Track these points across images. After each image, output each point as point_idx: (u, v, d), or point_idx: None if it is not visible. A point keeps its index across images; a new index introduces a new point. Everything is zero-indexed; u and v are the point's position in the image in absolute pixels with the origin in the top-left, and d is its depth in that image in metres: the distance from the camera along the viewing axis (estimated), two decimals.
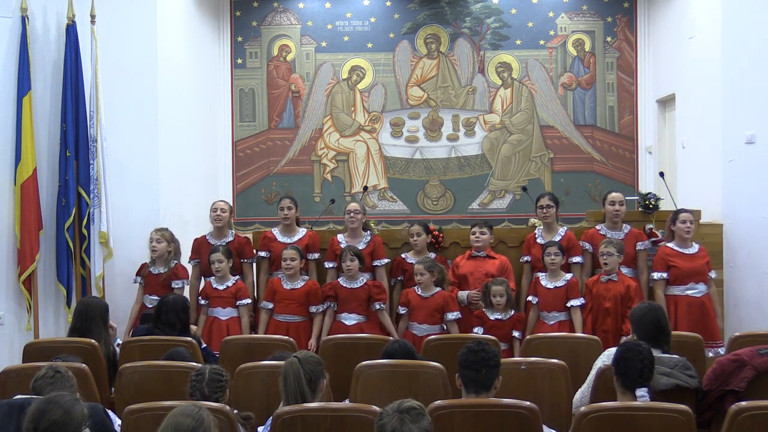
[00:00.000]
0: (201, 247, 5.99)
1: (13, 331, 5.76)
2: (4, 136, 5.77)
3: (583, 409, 3.17)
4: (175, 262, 5.86)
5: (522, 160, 8.81)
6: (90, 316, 4.76)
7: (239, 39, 8.87)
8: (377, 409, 2.95)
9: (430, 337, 4.77)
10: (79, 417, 2.65)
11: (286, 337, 4.87)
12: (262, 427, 3.29)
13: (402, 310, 5.50)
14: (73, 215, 5.98)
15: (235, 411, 3.41)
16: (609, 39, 8.77)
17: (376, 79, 8.84)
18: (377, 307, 5.51)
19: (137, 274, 5.89)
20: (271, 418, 3.16)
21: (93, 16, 6.17)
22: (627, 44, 8.76)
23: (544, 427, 3.22)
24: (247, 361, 4.03)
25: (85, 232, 6.03)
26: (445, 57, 8.84)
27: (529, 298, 5.56)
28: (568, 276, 5.52)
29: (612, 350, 3.74)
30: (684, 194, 7.17)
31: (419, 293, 5.42)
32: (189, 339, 4.66)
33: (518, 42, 8.78)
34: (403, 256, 5.94)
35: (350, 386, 3.82)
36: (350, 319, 5.49)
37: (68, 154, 5.96)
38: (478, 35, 8.80)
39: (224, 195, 8.71)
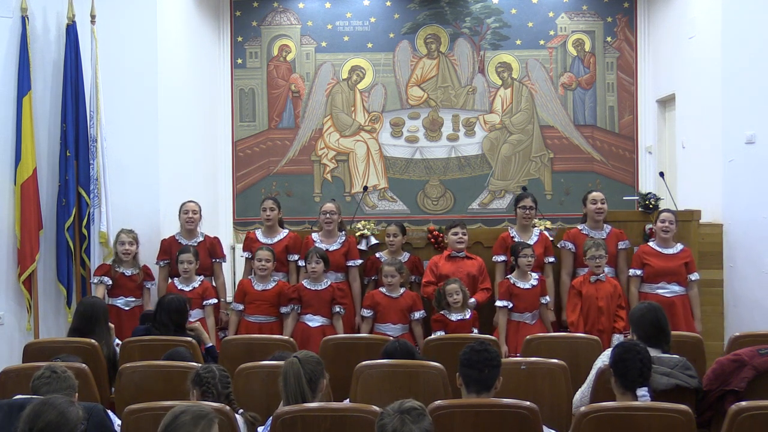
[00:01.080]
0: (171, 247, 5.98)
1: (13, 331, 5.76)
2: (4, 136, 5.77)
3: (583, 409, 3.17)
4: (143, 263, 5.89)
5: (522, 160, 8.80)
6: (93, 317, 4.77)
7: (239, 39, 8.87)
8: (377, 409, 2.95)
9: (430, 337, 4.78)
10: (74, 419, 2.65)
11: (286, 337, 4.88)
12: (262, 427, 3.29)
13: (367, 313, 5.46)
14: (73, 215, 5.98)
15: (240, 410, 3.42)
16: (609, 39, 8.77)
17: (376, 79, 8.84)
18: (336, 310, 5.52)
19: (101, 274, 5.76)
20: (271, 418, 3.16)
21: (93, 16, 6.18)
22: (627, 44, 8.76)
23: (544, 427, 3.22)
24: (247, 361, 4.04)
25: (85, 232, 6.03)
26: (445, 57, 8.84)
27: (501, 303, 5.44)
28: (536, 275, 5.54)
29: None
30: (684, 194, 7.17)
31: (387, 294, 5.42)
32: (189, 339, 4.67)
33: (518, 42, 8.78)
34: (377, 255, 5.96)
35: (350, 386, 3.82)
36: (314, 321, 5.49)
37: (68, 154, 5.97)
38: (478, 35, 8.80)
39: (224, 195, 8.74)
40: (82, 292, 6.05)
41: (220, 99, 8.78)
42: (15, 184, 5.77)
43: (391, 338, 4.70)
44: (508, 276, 5.59)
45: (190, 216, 5.96)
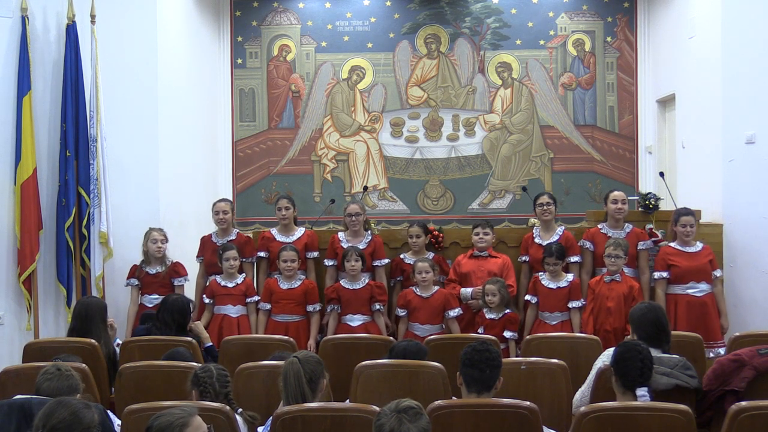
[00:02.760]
0: (206, 245, 6.01)
1: (13, 331, 5.76)
2: (4, 136, 5.77)
3: (583, 409, 3.17)
4: (171, 260, 5.88)
5: (522, 160, 8.80)
6: (89, 317, 4.77)
7: (239, 39, 8.87)
8: (377, 409, 2.94)
9: (430, 337, 4.77)
10: (87, 421, 2.65)
11: (286, 337, 4.88)
12: (262, 427, 3.29)
13: (401, 312, 5.49)
14: (73, 215, 5.98)
15: (239, 410, 3.42)
16: (609, 39, 8.77)
17: (376, 79, 8.84)
18: (376, 307, 5.52)
19: (131, 277, 5.84)
20: (271, 418, 3.16)
21: (93, 16, 6.17)
22: (627, 44, 8.76)
23: (544, 427, 3.22)
24: (247, 361, 4.04)
25: (85, 232, 6.03)
26: (445, 57, 8.84)
27: (528, 297, 5.56)
28: (570, 276, 5.52)
29: (612, 350, 3.74)
30: (684, 194, 7.17)
31: (419, 293, 5.41)
32: (189, 339, 4.67)
33: (518, 42, 8.78)
34: (401, 256, 5.94)
35: (350, 386, 3.82)
36: (355, 321, 5.50)
37: (68, 154, 5.97)
38: (478, 35, 8.80)
39: (224, 195, 8.71)
40: (82, 292, 6.05)
41: (220, 99, 8.78)
42: (15, 184, 5.76)
43: (391, 339, 4.72)
44: (538, 273, 5.60)
45: (221, 217, 5.95)
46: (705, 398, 3.73)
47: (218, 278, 5.72)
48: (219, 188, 8.66)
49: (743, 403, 3.12)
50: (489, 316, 5.33)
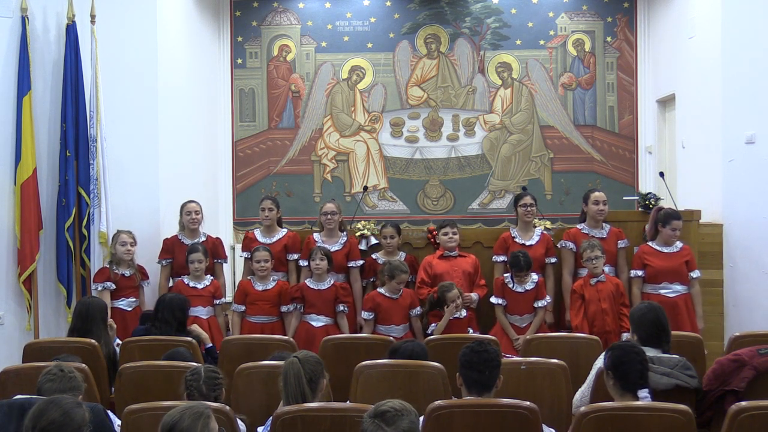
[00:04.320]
0: (174, 246, 5.99)
1: (13, 331, 5.76)
2: (4, 136, 5.77)
3: (583, 409, 3.17)
4: (139, 263, 5.91)
5: (522, 160, 8.80)
6: (90, 317, 4.77)
7: (239, 39, 8.87)
8: None
9: (430, 337, 4.78)
10: (78, 420, 2.65)
11: (286, 337, 4.88)
12: (262, 427, 3.29)
13: (368, 316, 5.38)
14: (73, 215, 5.98)
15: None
16: (609, 39, 8.77)
17: (376, 79, 8.84)
18: (340, 308, 5.52)
19: (104, 280, 5.72)
20: (271, 418, 3.16)
21: (93, 16, 6.18)
22: (627, 44, 8.76)
23: (544, 427, 3.22)
24: (247, 361, 4.03)
25: (85, 232, 6.03)
26: (445, 57, 8.84)
27: (495, 300, 5.51)
28: (535, 277, 5.52)
29: None
30: (684, 194, 7.17)
31: (388, 295, 5.37)
32: (189, 339, 4.67)
33: (518, 42, 8.78)
34: (374, 256, 5.95)
35: (350, 386, 3.82)
36: (318, 321, 5.49)
37: (68, 154, 5.97)
38: (478, 35, 8.80)
39: (224, 195, 8.74)
40: (82, 292, 6.05)
41: (220, 99, 8.78)
42: (15, 184, 5.77)
43: (391, 338, 4.71)
44: (505, 274, 5.60)
45: (192, 217, 5.97)
46: (705, 398, 3.74)
47: (185, 279, 5.71)
48: (219, 188, 8.66)
49: (743, 403, 3.12)
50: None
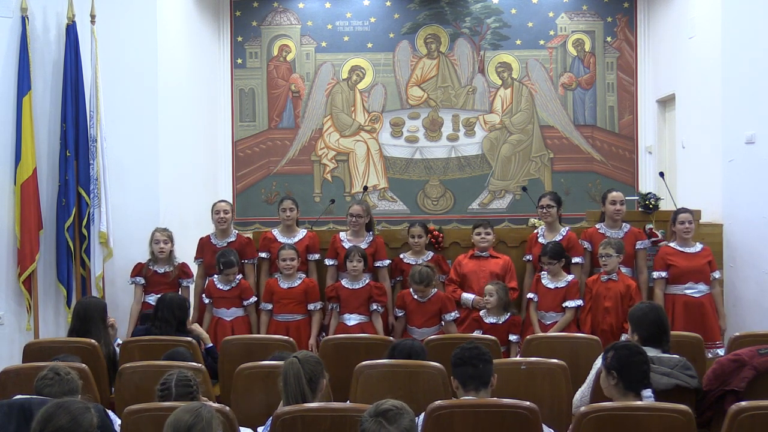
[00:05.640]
0: (205, 246, 6.00)
1: (13, 331, 5.76)
2: (4, 136, 5.77)
3: (583, 409, 3.17)
4: (178, 260, 5.89)
5: (522, 160, 8.81)
6: (88, 317, 4.77)
7: (239, 39, 8.87)
8: None
9: (430, 337, 4.78)
10: (86, 425, 2.64)
11: (286, 337, 4.87)
12: (262, 428, 3.29)
13: (399, 313, 5.51)
14: (73, 215, 5.98)
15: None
16: (609, 39, 8.77)
17: (376, 79, 8.84)
18: (374, 308, 5.52)
19: (135, 275, 5.85)
20: (271, 418, 3.16)
21: (93, 16, 6.17)
22: (627, 44, 8.76)
23: (544, 427, 3.22)
24: (247, 361, 4.03)
25: (85, 232, 6.03)
26: (445, 57, 8.84)
27: (530, 295, 5.57)
28: (570, 277, 5.52)
29: None
30: (684, 194, 7.17)
31: (415, 297, 5.41)
32: (189, 339, 4.67)
33: (518, 42, 8.78)
34: (401, 256, 5.93)
35: (350, 386, 3.82)
36: (352, 320, 5.50)
37: (68, 154, 5.97)
38: (478, 35, 8.80)
39: (224, 195, 8.71)
40: (82, 292, 6.05)
41: (220, 99, 8.78)
42: (15, 184, 5.76)
43: (391, 338, 4.72)
44: (541, 272, 5.61)
45: (221, 216, 5.94)
46: (705, 398, 3.73)
47: (215, 280, 5.71)
48: (219, 188, 8.66)
49: (743, 403, 3.12)
50: (489, 320, 5.32)
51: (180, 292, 5.78)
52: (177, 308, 4.90)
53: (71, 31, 6.05)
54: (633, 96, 8.75)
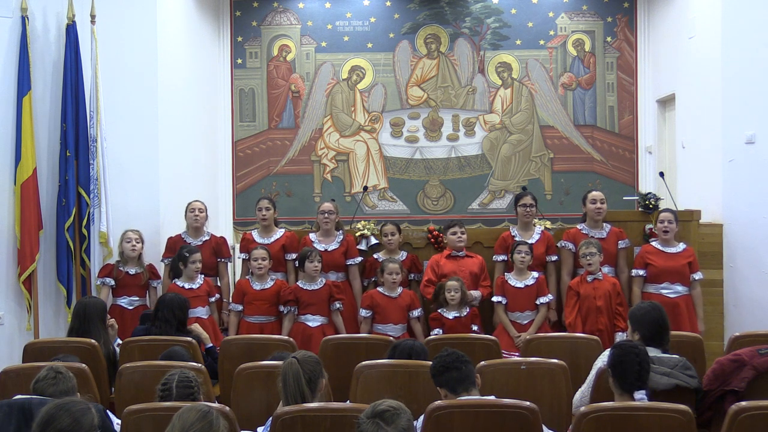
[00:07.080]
0: (176, 245, 5.98)
1: (13, 331, 5.76)
2: (4, 136, 5.77)
3: (583, 409, 3.17)
4: (145, 261, 5.90)
5: (522, 160, 8.80)
6: (88, 317, 4.77)
7: (239, 39, 8.87)
8: None
9: (430, 337, 4.78)
10: (87, 425, 2.63)
11: (286, 337, 4.88)
12: (262, 428, 3.29)
13: (366, 313, 5.45)
14: (73, 215, 5.98)
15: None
16: (609, 39, 8.77)
17: (376, 79, 8.84)
18: (335, 306, 5.53)
19: (105, 275, 5.78)
20: (271, 418, 3.16)
21: (93, 16, 6.18)
22: (627, 44, 8.76)
23: (544, 427, 3.22)
24: (247, 361, 4.04)
25: (85, 232, 6.03)
26: (445, 57, 8.83)
27: (497, 298, 5.53)
28: (536, 274, 5.54)
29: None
30: (684, 194, 7.17)
31: (386, 294, 5.43)
32: (189, 339, 4.67)
33: (518, 42, 8.77)
34: (375, 256, 5.97)
35: (350, 386, 3.82)
36: (313, 321, 5.49)
37: (68, 154, 5.97)
38: (478, 35, 8.80)
39: (224, 195, 8.74)
40: (82, 292, 6.05)
41: (220, 99, 8.77)
42: (15, 184, 5.76)
43: (392, 338, 4.72)
44: (505, 273, 5.62)
45: (196, 215, 5.99)
46: (705, 398, 3.73)
47: (177, 281, 5.62)
48: (219, 188, 8.66)
49: (743, 403, 3.12)
50: (452, 315, 5.31)
51: (149, 294, 5.81)
52: (177, 308, 4.89)
53: (71, 31, 6.05)
54: (633, 96, 8.75)
